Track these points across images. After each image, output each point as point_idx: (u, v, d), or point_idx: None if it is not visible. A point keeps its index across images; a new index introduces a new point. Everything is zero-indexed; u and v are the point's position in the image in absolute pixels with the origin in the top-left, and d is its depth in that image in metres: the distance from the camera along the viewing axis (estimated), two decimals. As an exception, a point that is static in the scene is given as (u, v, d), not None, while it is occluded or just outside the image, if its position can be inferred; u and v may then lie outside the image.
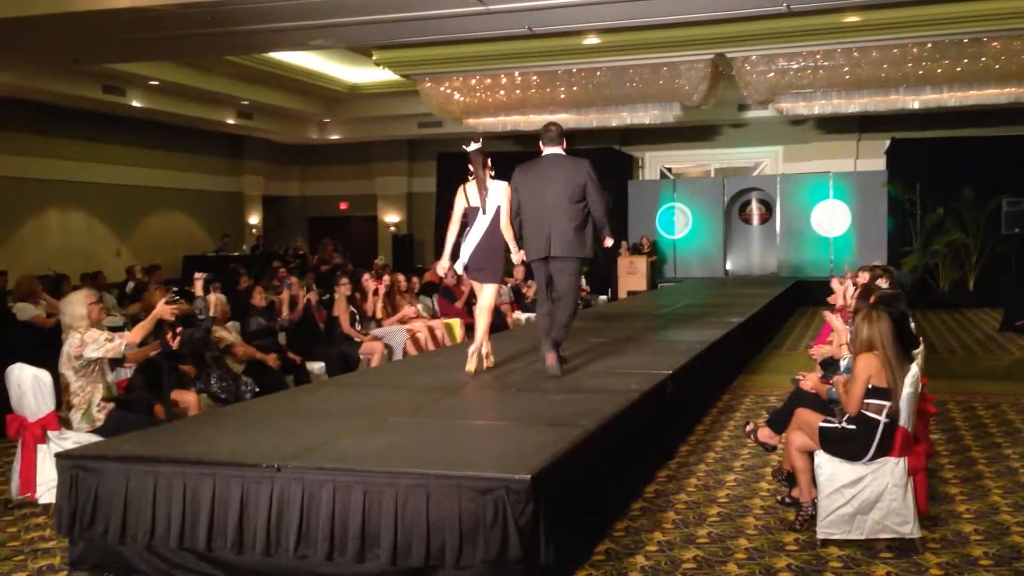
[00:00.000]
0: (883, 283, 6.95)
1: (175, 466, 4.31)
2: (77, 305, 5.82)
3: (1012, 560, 4.41)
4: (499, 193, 6.58)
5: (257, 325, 8.58)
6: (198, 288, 7.43)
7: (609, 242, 6.67)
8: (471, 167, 6.63)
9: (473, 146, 6.66)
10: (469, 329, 11.45)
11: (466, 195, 6.69)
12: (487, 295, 6.74)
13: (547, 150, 6.66)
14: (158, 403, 6.20)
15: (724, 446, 6.81)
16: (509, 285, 14.11)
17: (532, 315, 13.19)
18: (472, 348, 6.79)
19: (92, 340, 5.68)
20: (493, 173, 6.66)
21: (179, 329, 6.32)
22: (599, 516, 4.93)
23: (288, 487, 4.13)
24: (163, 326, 6.18)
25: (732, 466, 6.23)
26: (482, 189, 6.57)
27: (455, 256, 6.73)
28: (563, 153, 6.65)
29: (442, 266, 6.97)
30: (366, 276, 10.63)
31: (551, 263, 6.53)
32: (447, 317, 11.48)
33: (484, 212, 6.56)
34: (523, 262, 6.73)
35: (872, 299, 5.62)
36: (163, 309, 6.02)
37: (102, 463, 4.42)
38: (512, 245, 6.61)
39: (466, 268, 6.72)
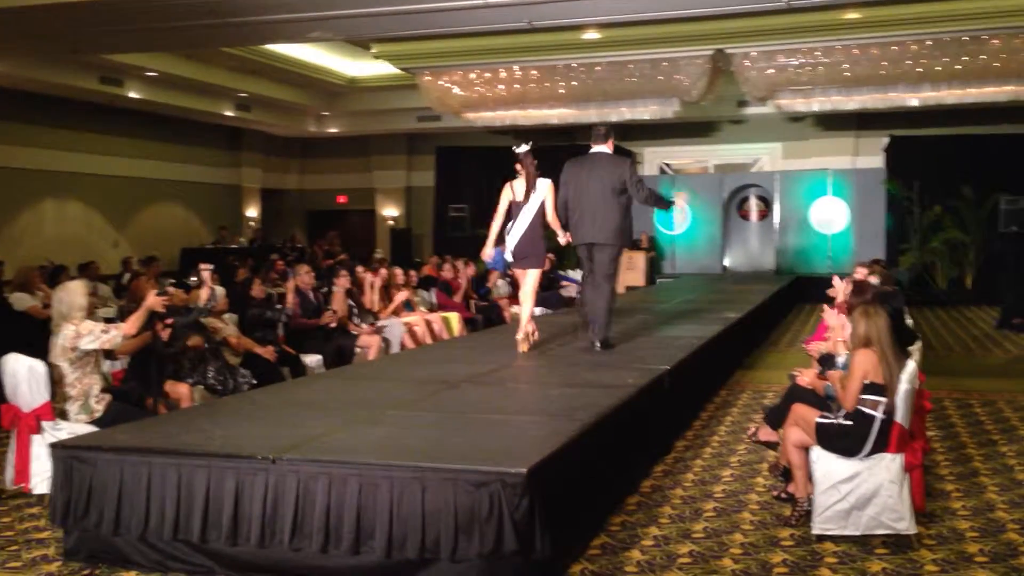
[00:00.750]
0: (873, 279, 6.94)
1: (169, 457, 4.30)
2: (77, 295, 5.79)
3: (1007, 557, 4.41)
4: (544, 189, 7.32)
5: (259, 315, 8.58)
6: (206, 279, 7.46)
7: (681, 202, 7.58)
8: (519, 166, 7.36)
9: (523, 147, 7.37)
10: (467, 323, 11.47)
11: (512, 190, 7.41)
12: (531, 280, 7.56)
13: (594, 147, 7.46)
14: (149, 396, 6.18)
15: (721, 441, 6.80)
16: (508, 280, 14.09)
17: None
18: (519, 335, 7.53)
19: (88, 332, 5.66)
20: (540, 172, 7.38)
21: (168, 321, 6.30)
22: (595, 510, 4.92)
23: (283, 479, 4.12)
24: (153, 318, 6.16)
25: (728, 461, 6.23)
26: (530, 186, 7.27)
27: (499, 244, 7.49)
28: (609, 151, 7.46)
29: (487, 252, 7.60)
30: (360, 268, 10.62)
31: (594, 248, 7.33)
32: (445, 310, 11.46)
33: (528, 207, 7.28)
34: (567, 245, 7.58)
35: (868, 295, 5.61)
36: (154, 301, 5.99)
37: (96, 454, 4.41)
38: (559, 231, 7.43)
39: (513, 256, 7.38)
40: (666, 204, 7.90)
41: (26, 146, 16.70)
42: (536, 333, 7.72)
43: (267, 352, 7.94)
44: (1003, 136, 18.64)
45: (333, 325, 8.86)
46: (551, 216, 7.36)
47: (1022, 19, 12.62)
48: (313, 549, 4.05)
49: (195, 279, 7.39)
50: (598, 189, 7.26)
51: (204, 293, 7.30)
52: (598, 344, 7.46)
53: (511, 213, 7.38)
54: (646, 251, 18.98)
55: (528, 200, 7.28)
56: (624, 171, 7.31)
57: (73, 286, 5.96)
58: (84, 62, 15.12)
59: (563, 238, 7.46)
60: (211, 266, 7.62)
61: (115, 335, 5.72)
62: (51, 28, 12.04)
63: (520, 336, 7.51)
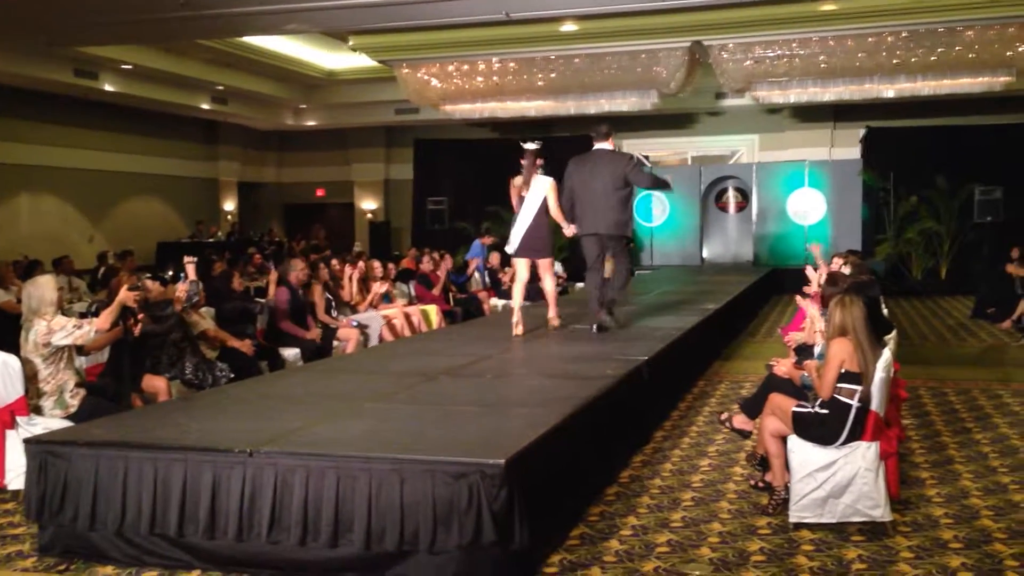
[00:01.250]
0: (845, 269, 7.00)
1: (145, 451, 4.27)
2: (47, 290, 5.74)
3: (981, 543, 4.46)
4: (545, 186, 7.75)
5: (239, 308, 8.54)
6: (190, 272, 7.47)
7: (670, 185, 8.44)
8: (524, 162, 7.79)
9: (531, 145, 7.85)
10: (446, 315, 11.47)
11: (514, 187, 7.92)
12: (545, 270, 8.13)
13: (597, 145, 7.94)
14: (123, 391, 6.14)
15: (699, 431, 6.84)
16: (485, 269, 14.08)
17: (508, 301, 13.23)
18: (551, 314, 8.39)
19: (60, 327, 5.61)
20: (541, 169, 7.85)
21: (140, 316, 6.26)
22: (574, 501, 4.94)
23: (261, 472, 4.10)
24: (126, 313, 6.11)
25: (706, 451, 6.26)
26: (527, 183, 7.75)
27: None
28: (611, 148, 7.97)
29: (507, 248, 8.16)
30: (335, 261, 10.59)
31: (600, 240, 7.90)
32: (424, 303, 11.44)
33: (527, 204, 7.74)
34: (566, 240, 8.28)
35: (842, 286, 5.65)
36: (126, 295, 5.94)
37: (71, 448, 4.38)
38: (563, 223, 7.87)
39: (519, 247, 7.85)
40: (667, 185, 8.37)
41: (0, 140, 16.52)
42: (557, 320, 8.47)
43: (244, 346, 7.90)
44: (978, 127, 18.81)
45: (318, 342, 8.81)
46: (554, 210, 7.79)
47: (996, 10, 12.74)
48: (291, 542, 4.04)
49: (181, 273, 7.33)
50: (600, 185, 7.71)
51: (182, 288, 7.25)
52: (602, 318, 8.10)
53: (518, 207, 7.91)
54: (628, 242, 19.00)
55: (527, 197, 7.77)
56: (624, 166, 7.74)
57: (42, 280, 5.91)
58: (58, 55, 14.96)
59: (568, 230, 7.92)
60: (195, 259, 7.66)
61: (88, 330, 5.67)
62: (24, 20, 11.92)
63: (551, 315, 8.42)
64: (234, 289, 8.91)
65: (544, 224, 7.83)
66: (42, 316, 5.62)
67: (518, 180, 7.87)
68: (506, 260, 12.08)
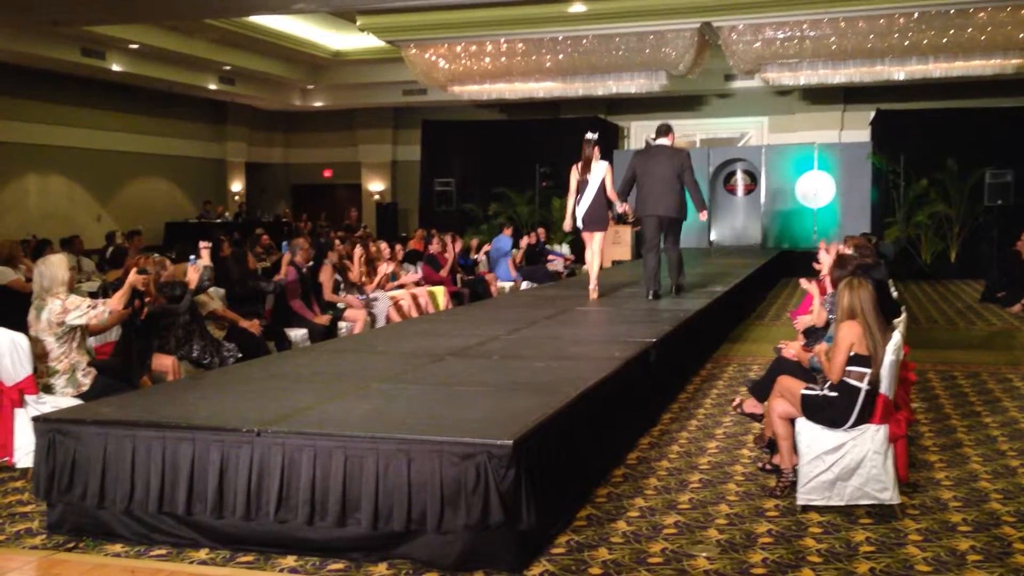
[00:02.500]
0: (847, 250, 6.95)
1: (154, 430, 4.27)
2: (59, 269, 5.74)
3: (990, 527, 4.45)
4: (602, 170, 8.95)
5: (253, 287, 8.59)
6: (205, 256, 7.53)
7: (704, 215, 9.22)
8: (584, 150, 8.98)
9: (591, 135, 9.06)
10: (453, 297, 11.47)
11: (578, 171, 9.02)
12: (597, 241, 9.24)
13: (658, 140, 9.22)
14: (131, 370, 6.16)
15: (706, 414, 6.83)
16: (509, 257, 14.03)
17: (508, 285, 13.25)
18: (592, 285, 9.36)
19: (75, 307, 5.61)
20: (599, 156, 9.06)
21: (147, 299, 6.28)
22: (581, 482, 4.93)
23: (268, 452, 4.10)
24: (133, 295, 6.13)
25: (714, 433, 6.25)
26: (587, 168, 8.94)
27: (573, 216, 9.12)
28: (669, 143, 9.13)
29: (567, 224, 9.24)
30: (337, 243, 10.60)
31: (661, 220, 9.02)
32: (431, 284, 11.44)
33: (590, 184, 8.94)
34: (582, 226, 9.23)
35: (850, 268, 5.62)
36: (135, 278, 5.99)
37: (80, 427, 4.38)
38: (617, 203, 9.11)
39: (583, 223, 9.05)
40: (701, 203, 9.17)
41: (8, 120, 16.54)
42: (598, 290, 9.39)
43: (252, 326, 7.90)
44: (989, 110, 18.68)
45: (326, 324, 8.85)
46: (611, 190, 8.99)
47: (1009, -8, 12.63)
48: (299, 521, 4.04)
49: (191, 256, 7.37)
50: (661, 174, 8.89)
51: (192, 271, 7.20)
52: (680, 288, 9.58)
53: (579, 189, 9.00)
54: (632, 225, 18.95)
55: (590, 180, 8.92)
56: (681, 161, 8.98)
57: (55, 259, 5.90)
58: (65, 34, 14.95)
59: (620, 207, 9.20)
60: (210, 244, 7.75)
61: (102, 310, 5.68)
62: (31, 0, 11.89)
63: (592, 286, 9.35)
64: (251, 269, 8.95)
65: (602, 202, 9.02)
66: (55, 295, 5.62)
67: (582, 166, 8.98)
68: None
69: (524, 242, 15.03)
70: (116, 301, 5.83)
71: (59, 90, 17.36)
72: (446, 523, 3.90)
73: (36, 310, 5.66)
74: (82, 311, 5.61)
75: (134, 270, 6.03)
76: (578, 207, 9.03)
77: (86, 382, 5.67)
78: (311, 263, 9.45)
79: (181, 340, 7.06)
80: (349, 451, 4.02)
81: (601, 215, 9.09)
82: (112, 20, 14.17)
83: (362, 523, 3.98)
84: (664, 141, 9.14)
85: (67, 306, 5.59)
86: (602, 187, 8.96)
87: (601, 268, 9.57)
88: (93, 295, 9.56)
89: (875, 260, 6.46)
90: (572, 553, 4.16)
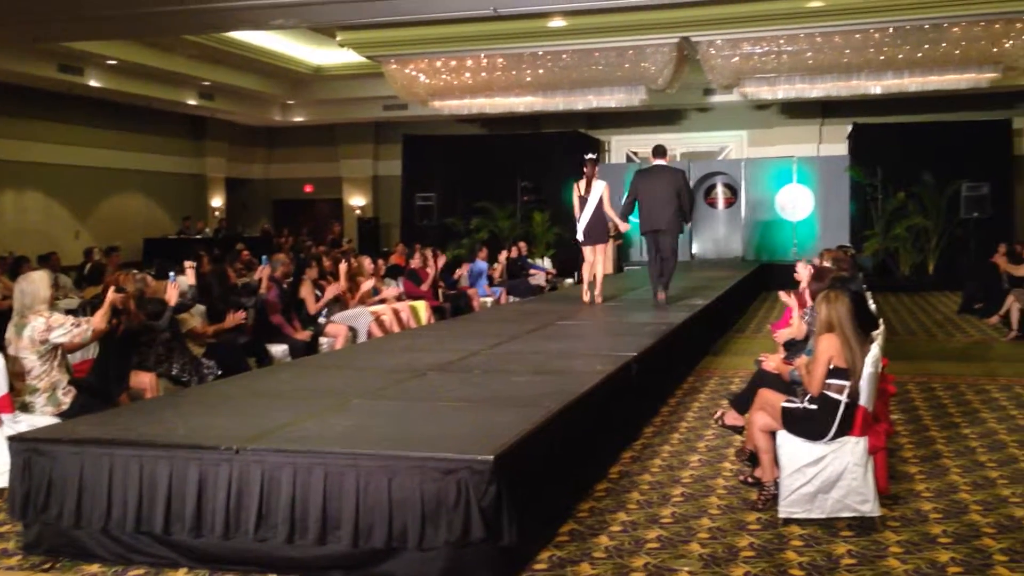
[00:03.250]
0: (825, 262, 6.99)
1: (131, 449, 4.23)
2: (41, 286, 5.69)
3: (970, 538, 4.46)
4: (600, 188, 9.78)
5: (235, 302, 8.52)
6: (190, 276, 7.46)
7: (688, 226, 10.52)
8: (585, 169, 9.91)
9: (590, 156, 10.13)
10: (435, 311, 11.45)
11: (578, 188, 9.91)
12: (599, 253, 10.16)
13: (656, 161, 10.26)
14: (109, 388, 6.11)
15: (689, 427, 6.83)
16: (487, 279, 14.04)
17: (490, 299, 13.25)
18: (596, 291, 10.25)
19: (59, 324, 5.56)
20: (597, 175, 10.02)
21: (124, 317, 6.23)
22: (563, 497, 4.92)
23: (247, 469, 4.07)
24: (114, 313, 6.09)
25: (696, 447, 6.25)
26: (588, 186, 9.81)
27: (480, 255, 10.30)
28: (666, 163, 10.28)
29: (579, 237, 10.09)
30: (324, 258, 10.55)
31: (659, 234, 10.04)
32: (412, 299, 11.41)
33: (589, 201, 9.80)
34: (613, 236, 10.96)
35: (827, 281, 5.65)
36: (114, 296, 5.98)
37: (56, 446, 4.34)
38: (617, 221, 10.06)
39: (583, 237, 9.98)
40: (687, 216, 10.24)
41: (-16, 136, 16.41)
42: (601, 297, 10.32)
43: (237, 318, 7.83)
44: (964, 123, 18.88)
45: (307, 340, 8.80)
46: (608, 208, 9.80)
47: (982, 7, 12.78)
48: (279, 540, 4.01)
49: (171, 273, 7.35)
50: (660, 192, 9.87)
51: (172, 288, 7.16)
52: (662, 298, 10.20)
53: (580, 206, 9.84)
54: (614, 239, 18.98)
55: (589, 197, 9.77)
56: (679, 180, 10.07)
57: (36, 276, 5.85)
58: (43, 50, 14.87)
59: (621, 225, 10.18)
60: (195, 264, 7.69)
61: (85, 328, 5.63)
62: (8, 15, 11.82)
63: (586, 288, 10.38)
64: (232, 284, 8.89)
65: (601, 217, 9.87)
66: (37, 312, 5.57)
67: (582, 183, 9.84)
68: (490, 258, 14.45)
69: (503, 256, 15.00)
70: (98, 320, 5.78)
71: (37, 106, 17.25)
72: (427, 540, 3.88)
73: (16, 328, 5.59)
74: (66, 329, 5.56)
75: (112, 288, 5.99)
76: (579, 222, 9.90)
77: (66, 400, 5.62)
78: (290, 278, 9.40)
79: (161, 357, 7.01)
80: (329, 468, 3.99)
81: (601, 229, 9.99)
82: (90, 36, 14.11)
83: (343, 541, 3.96)
84: (661, 162, 10.21)
85: (51, 324, 5.54)
86: (600, 204, 9.77)
87: (604, 276, 10.46)
88: (72, 312, 9.48)
89: (852, 272, 6.48)
90: (554, 569, 4.15)
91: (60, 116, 17.94)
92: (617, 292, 12.43)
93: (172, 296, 7.06)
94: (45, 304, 5.64)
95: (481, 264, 14.08)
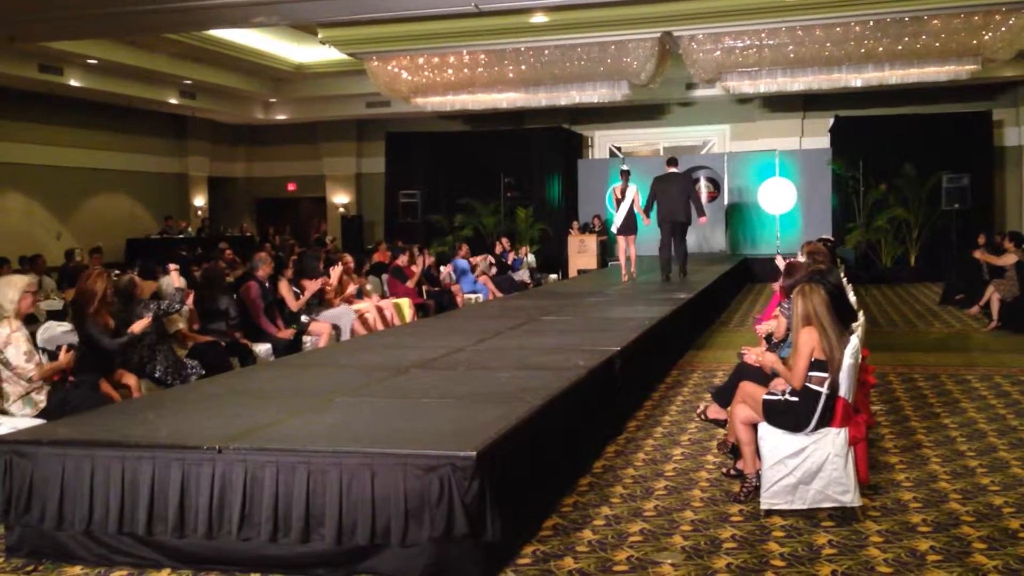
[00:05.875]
0: (801, 257, 7.02)
1: (113, 450, 4.22)
2: (10, 289, 5.66)
3: (950, 527, 4.51)
4: (631, 192, 12.66)
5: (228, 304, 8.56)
6: (175, 279, 7.54)
7: (703, 221, 13.13)
8: (621, 177, 12.92)
9: (624, 167, 13.63)
10: (418, 309, 11.45)
11: (616, 192, 12.89)
12: (630, 243, 13.09)
13: (669, 169, 12.72)
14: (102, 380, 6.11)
15: (672, 421, 6.86)
16: (472, 276, 14.04)
17: (478, 296, 13.26)
18: (632, 269, 13.28)
19: (16, 344, 5.54)
20: (630, 181, 12.85)
21: (72, 352, 6.12)
22: (547, 492, 4.94)
23: (230, 469, 4.07)
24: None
25: (679, 440, 6.28)
26: (624, 190, 12.69)
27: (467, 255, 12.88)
28: (679, 170, 12.89)
29: (613, 229, 13.28)
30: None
31: (676, 225, 12.65)
32: (396, 297, 11.40)
33: (624, 202, 12.74)
34: (616, 232, 13.28)
35: (799, 276, 5.68)
36: (67, 360, 5.87)
37: (37, 448, 4.32)
38: (644, 217, 12.63)
39: (619, 229, 12.96)
40: (701, 212, 12.72)
41: (-37, 137, 16.28)
42: (635, 272, 13.34)
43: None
44: (945, 115, 19.00)
45: (290, 338, 8.80)
46: (632, 205, 12.67)
47: (961, 0, 12.85)
48: (262, 539, 4.01)
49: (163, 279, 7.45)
50: (674, 193, 12.47)
51: (175, 276, 7.30)
52: (684, 273, 13.04)
53: (617, 206, 12.85)
54: (598, 234, 19.04)
55: (624, 198, 12.69)
56: (689, 184, 13.13)
57: (13, 279, 5.84)
58: (22, 50, 14.76)
59: (645, 221, 12.70)
60: (178, 266, 7.86)
61: (31, 368, 5.59)
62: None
63: (623, 269, 13.23)
64: (226, 284, 8.97)
65: (632, 214, 12.74)
66: (4, 321, 5.55)
67: (618, 187, 12.79)
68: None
69: (477, 259, 14.94)
70: (41, 371, 5.70)
71: (16, 106, 17.13)
72: (411, 536, 3.89)
73: None
74: (17, 354, 5.53)
75: (64, 349, 5.88)
76: (616, 215, 12.96)
77: (41, 399, 5.61)
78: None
79: (145, 359, 6.99)
80: (312, 466, 4.00)
81: (631, 223, 12.85)
82: (70, 36, 14.01)
83: (326, 539, 3.96)
84: (674, 169, 12.73)
85: (11, 339, 5.52)
86: (632, 204, 12.62)
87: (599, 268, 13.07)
88: (54, 314, 9.45)
89: (829, 265, 6.51)
90: (538, 563, 4.17)
91: (40, 116, 17.82)
92: (600, 286, 12.48)
93: (176, 278, 7.17)
94: (13, 307, 5.65)
95: (462, 262, 14.09)
